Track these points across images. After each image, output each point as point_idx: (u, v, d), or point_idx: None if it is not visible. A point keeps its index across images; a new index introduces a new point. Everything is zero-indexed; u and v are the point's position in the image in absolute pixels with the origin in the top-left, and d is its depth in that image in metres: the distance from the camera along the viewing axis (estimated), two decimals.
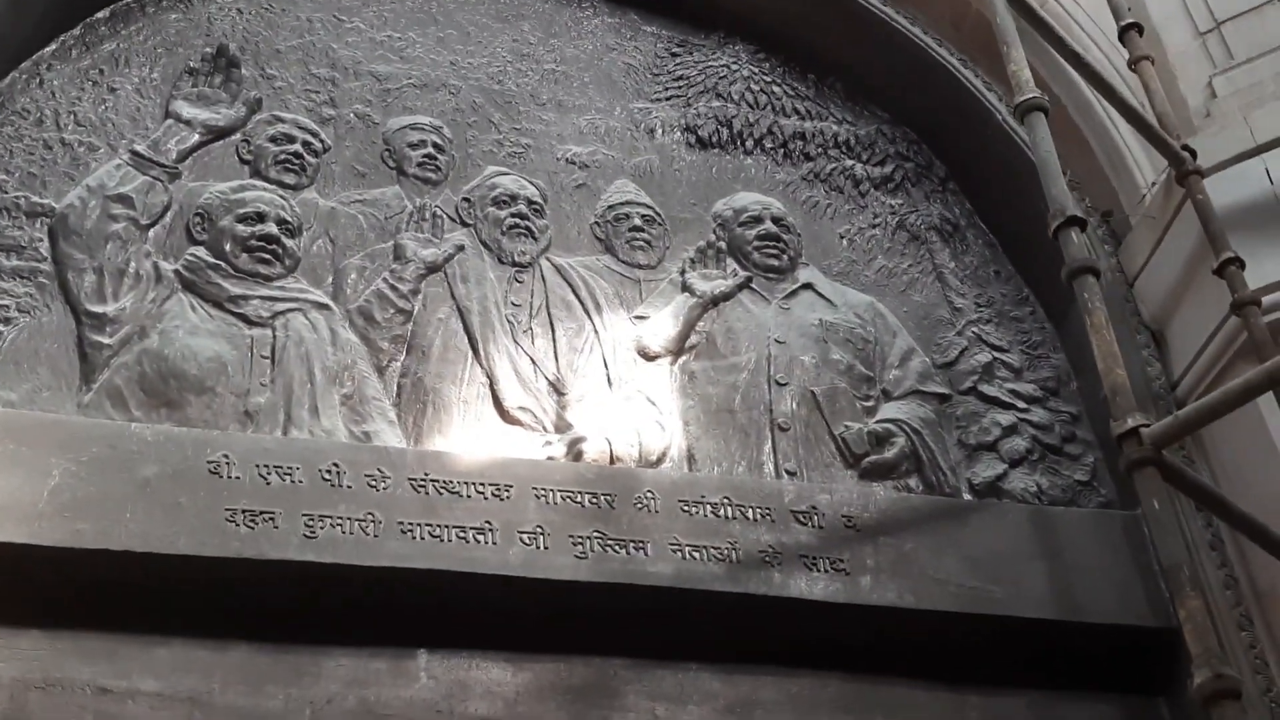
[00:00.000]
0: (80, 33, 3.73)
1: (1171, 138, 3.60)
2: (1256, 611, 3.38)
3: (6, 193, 3.39)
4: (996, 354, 3.97)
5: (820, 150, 4.27)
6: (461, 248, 3.69)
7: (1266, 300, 3.37)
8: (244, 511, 3.00)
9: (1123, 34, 3.78)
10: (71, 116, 3.57)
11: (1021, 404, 3.87)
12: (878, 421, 3.71)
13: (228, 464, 3.05)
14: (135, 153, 3.53)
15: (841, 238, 4.13)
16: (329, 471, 3.11)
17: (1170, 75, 3.84)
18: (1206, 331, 3.57)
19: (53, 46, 3.67)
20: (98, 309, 3.28)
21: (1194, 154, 3.58)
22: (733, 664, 3.20)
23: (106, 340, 3.25)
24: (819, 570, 3.28)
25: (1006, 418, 3.83)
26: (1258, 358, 3.23)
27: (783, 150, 4.24)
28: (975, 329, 4.01)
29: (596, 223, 3.90)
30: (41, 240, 3.35)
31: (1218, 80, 3.81)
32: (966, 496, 3.66)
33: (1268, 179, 3.52)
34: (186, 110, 3.66)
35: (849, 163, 4.27)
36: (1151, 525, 2.56)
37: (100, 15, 3.76)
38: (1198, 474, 3.11)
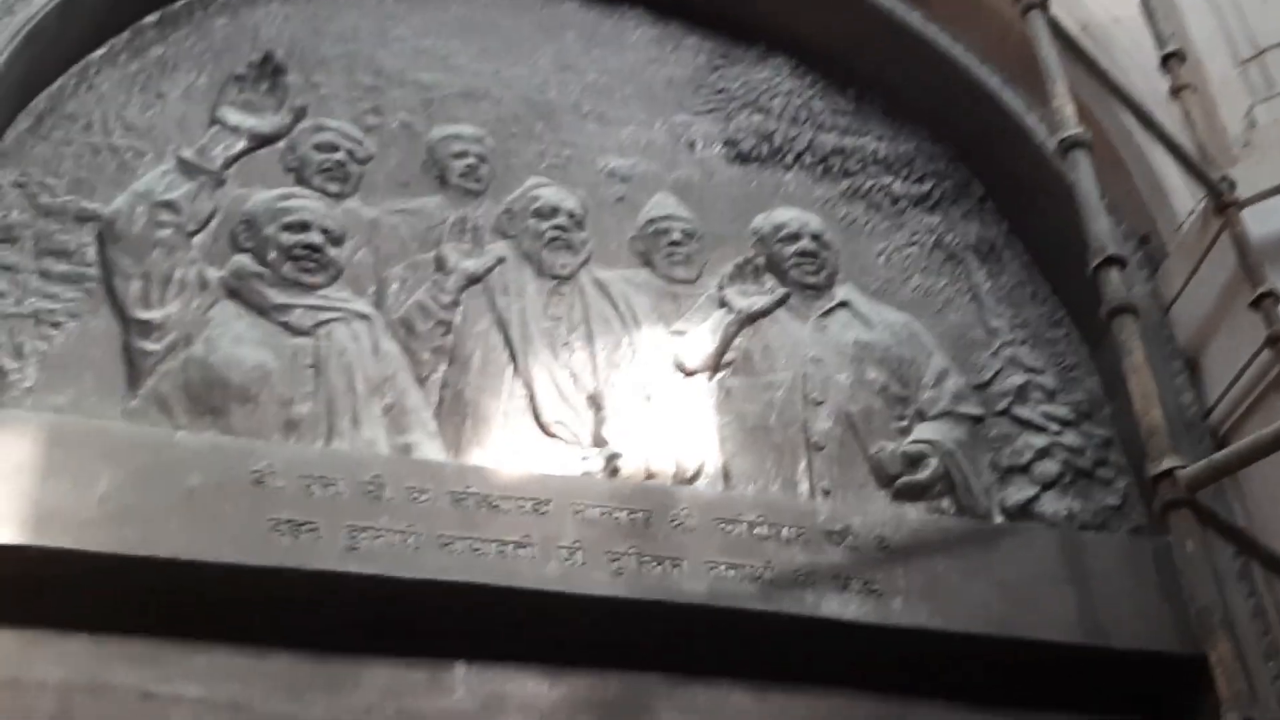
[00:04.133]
0: (129, 37, 3.76)
1: (1211, 168, 3.61)
2: None
3: (56, 197, 3.43)
4: (1031, 376, 3.97)
5: (859, 166, 4.27)
6: (502, 259, 3.72)
7: None
8: (287, 522, 3.04)
9: (1164, 62, 3.78)
10: (119, 121, 3.61)
11: (1055, 426, 3.88)
12: (912, 442, 3.73)
13: (271, 474, 3.10)
14: (182, 159, 3.56)
15: (879, 255, 4.14)
16: (371, 483, 3.15)
17: (1211, 103, 3.84)
18: (1240, 362, 3.58)
19: (101, 51, 3.71)
20: (144, 315, 3.32)
21: (1233, 185, 3.59)
22: (765, 682, 3.23)
23: (153, 347, 3.29)
24: (851, 590, 3.31)
25: (1039, 440, 3.84)
26: None
27: (822, 166, 4.24)
28: (1010, 350, 4.02)
29: (636, 236, 3.92)
30: (89, 245, 3.39)
31: (1259, 109, 3.81)
32: (998, 519, 3.67)
33: None
34: (233, 117, 3.69)
35: (887, 180, 4.28)
36: (1185, 567, 2.58)
37: (149, 20, 3.80)
38: (1230, 513, 3.14)
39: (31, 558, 2.86)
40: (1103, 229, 2.93)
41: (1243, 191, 3.59)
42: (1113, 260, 2.90)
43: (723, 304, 3.83)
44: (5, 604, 2.85)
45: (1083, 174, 3.02)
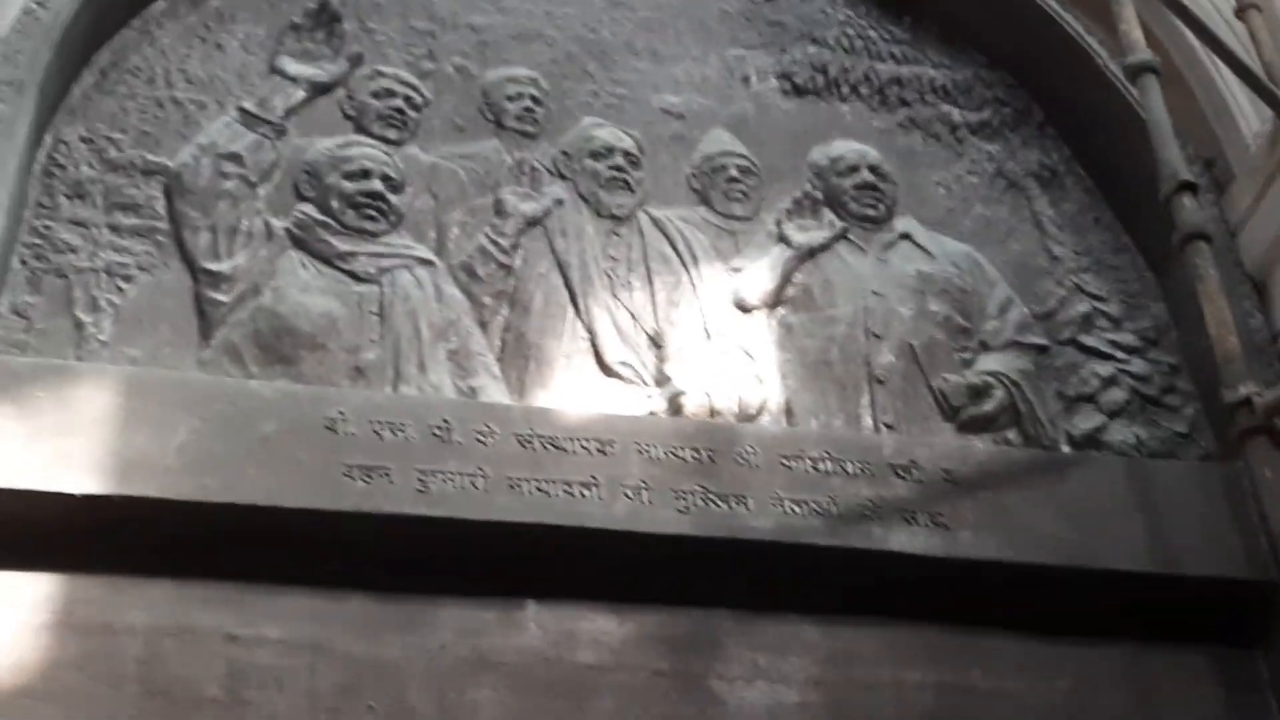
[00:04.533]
0: None
1: (1279, 87, 3.54)
2: None
3: (123, 151, 3.50)
4: (1096, 303, 3.93)
5: (917, 96, 4.22)
6: (560, 201, 3.74)
7: None
8: (359, 467, 3.09)
9: None
10: (181, 74, 3.66)
11: (1121, 354, 3.85)
12: (976, 374, 3.71)
13: (343, 420, 3.15)
14: (244, 110, 3.60)
15: (938, 186, 4.09)
16: (439, 427, 3.19)
17: (1277, 22, 3.75)
18: None
19: (161, 4, 3.75)
20: (213, 267, 3.38)
21: None
22: (833, 615, 3.25)
23: (223, 298, 3.35)
24: (918, 524, 3.31)
25: (1105, 369, 3.81)
26: None
27: (879, 96, 4.20)
28: (1074, 278, 3.98)
29: (693, 174, 3.91)
30: (157, 198, 3.46)
31: None
32: (1065, 449, 3.65)
33: None
34: (292, 66, 3.72)
35: (946, 108, 4.22)
36: (1263, 494, 2.57)
37: None
38: None
39: (116, 507, 2.93)
40: (1174, 155, 2.89)
41: None
42: (1185, 186, 2.85)
43: (781, 239, 3.82)
44: (92, 552, 2.93)
45: (1152, 100, 2.97)
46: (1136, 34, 3.06)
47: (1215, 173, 3.97)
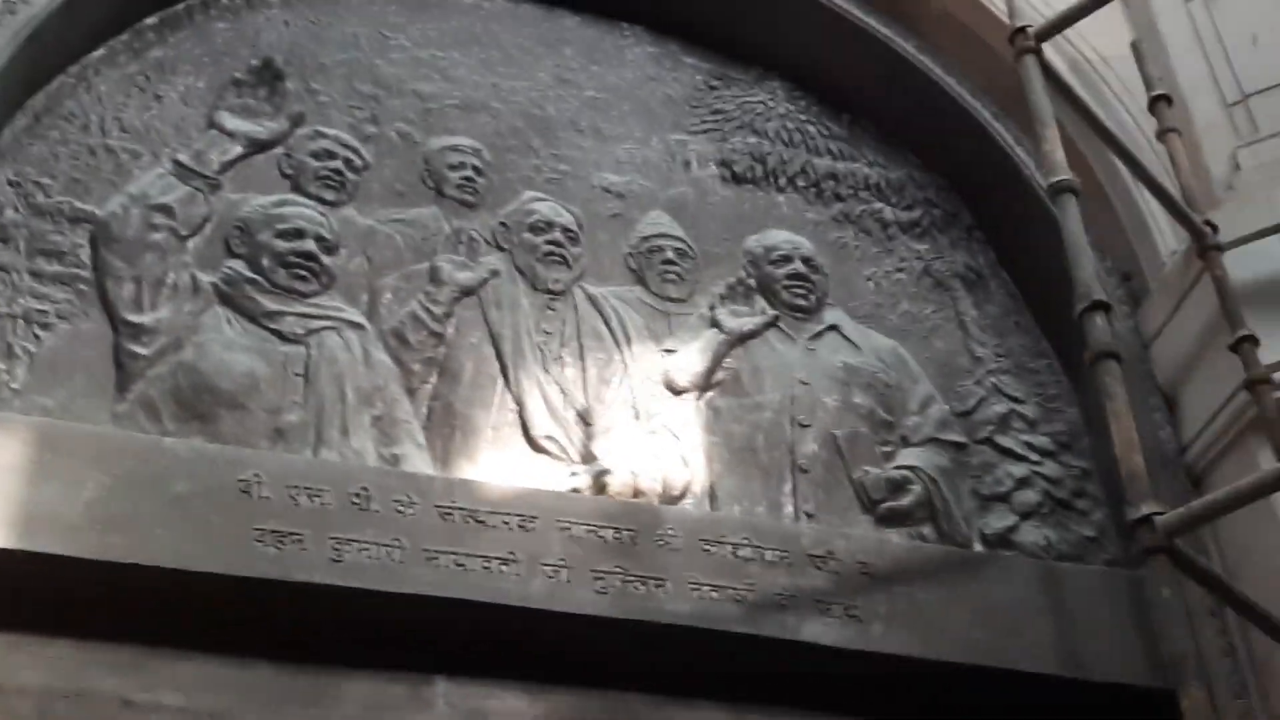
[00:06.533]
0: (128, 38, 3.73)
1: (1195, 211, 3.65)
2: (1253, 681, 3.44)
3: (50, 197, 3.41)
4: (1013, 405, 4.02)
5: (851, 191, 4.31)
6: (496, 272, 3.73)
7: (1278, 377, 3.42)
8: (272, 532, 3.04)
9: (1152, 105, 3.81)
10: (117, 123, 3.60)
11: (1035, 456, 3.93)
12: (895, 468, 3.77)
13: (258, 483, 3.09)
14: (178, 162, 3.55)
15: (868, 280, 4.17)
16: (358, 495, 3.15)
17: (1196, 146, 3.87)
18: (1218, 402, 3.62)
19: (101, 51, 3.68)
20: (135, 319, 3.31)
21: (1215, 229, 3.63)
22: (745, 703, 3.25)
23: (143, 351, 3.28)
24: (832, 615, 3.33)
25: (1020, 469, 3.89)
26: (1268, 435, 3.31)
27: (815, 190, 4.28)
28: (994, 379, 4.07)
29: (630, 253, 3.94)
30: (82, 246, 3.37)
31: (1242, 153, 3.84)
32: (978, 547, 3.71)
33: None
34: (230, 122, 3.68)
35: (878, 205, 4.32)
36: (1161, 614, 2.63)
37: (149, 21, 3.77)
38: (1204, 552, 3.18)
39: (17, 561, 2.84)
40: (1089, 274, 2.97)
41: (1225, 235, 3.62)
42: (1098, 305, 2.94)
43: (714, 324, 3.85)
44: None
45: (1070, 219, 3.06)
46: (1058, 155, 3.15)
47: (1132, 286, 4.08)
